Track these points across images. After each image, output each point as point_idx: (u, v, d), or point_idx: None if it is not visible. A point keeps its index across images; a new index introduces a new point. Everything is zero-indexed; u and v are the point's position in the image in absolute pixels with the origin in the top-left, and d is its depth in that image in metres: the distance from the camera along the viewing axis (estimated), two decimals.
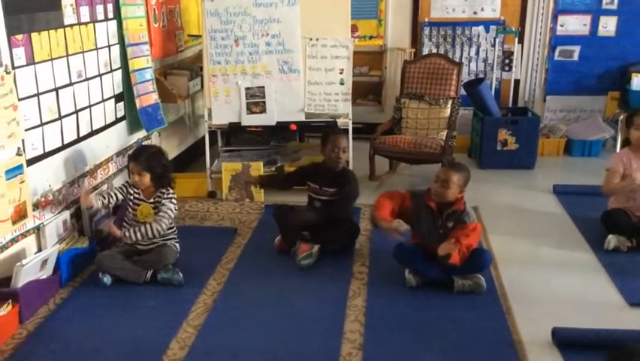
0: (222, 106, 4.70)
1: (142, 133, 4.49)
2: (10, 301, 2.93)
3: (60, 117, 3.50)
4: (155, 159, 3.46)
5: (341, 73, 4.66)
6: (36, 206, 3.32)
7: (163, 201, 3.46)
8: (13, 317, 2.94)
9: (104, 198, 3.55)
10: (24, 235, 3.24)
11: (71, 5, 3.54)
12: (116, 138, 4.18)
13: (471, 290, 3.27)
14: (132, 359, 2.77)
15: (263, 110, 4.69)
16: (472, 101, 5.59)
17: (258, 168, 4.65)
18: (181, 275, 3.37)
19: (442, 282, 3.29)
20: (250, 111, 4.69)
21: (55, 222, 3.47)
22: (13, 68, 3.06)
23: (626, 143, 4.15)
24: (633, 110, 4.20)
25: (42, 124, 3.34)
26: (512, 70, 5.99)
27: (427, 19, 6.13)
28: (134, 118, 4.30)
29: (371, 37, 6.24)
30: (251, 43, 4.59)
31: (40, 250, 3.36)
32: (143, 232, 3.38)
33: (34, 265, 3.11)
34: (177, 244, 3.56)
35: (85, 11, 3.68)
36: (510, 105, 6.01)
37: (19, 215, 3.17)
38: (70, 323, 3.03)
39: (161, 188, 3.49)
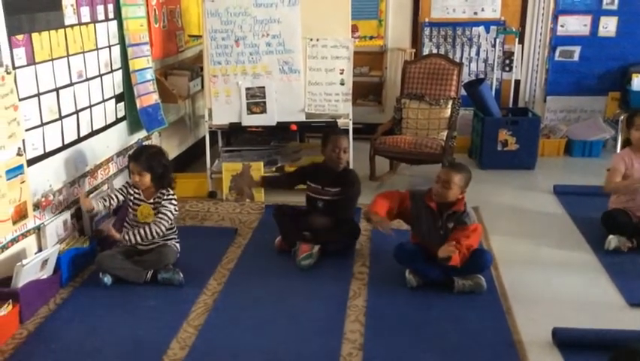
0: (223, 106, 4.70)
1: (142, 133, 4.49)
2: (10, 301, 2.93)
3: (60, 117, 3.51)
4: (156, 159, 3.46)
5: (341, 73, 4.66)
6: (36, 206, 3.32)
7: (163, 202, 3.46)
8: (13, 317, 2.94)
9: (105, 200, 3.56)
10: (24, 235, 3.24)
11: (72, 5, 3.54)
12: (117, 138, 4.19)
13: (471, 290, 3.27)
14: (132, 359, 2.76)
15: (263, 111, 4.69)
16: (473, 101, 5.59)
17: (258, 169, 4.65)
18: (181, 275, 3.37)
19: (443, 282, 3.29)
20: (250, 111, 4.69)
21: (55, 223, 3.47)
22: (14, 68, 3.06)
23: (626, 143, 4.14)
24: (634, 111, 4.20)
25: (42, 124, 3.34)
26: (512, 70, 5.99)
27: (427, 20, 6.13)
28: (135, 118, 4.31)
29: (371, 38, 6.24)
30: (251, 44, 4.59)
31: (40, 250, 3.36)
32: (142, 234, 3.38)
33: (35, 265, 3.11)
34: (178, 244, 3.56)
35: (85, 11, 3.68)
36: (510, 106, 6.00)
37: (20, 215, 3.17)
38: (71, 323, 3.03)
39: (161, 188, 3.49)
